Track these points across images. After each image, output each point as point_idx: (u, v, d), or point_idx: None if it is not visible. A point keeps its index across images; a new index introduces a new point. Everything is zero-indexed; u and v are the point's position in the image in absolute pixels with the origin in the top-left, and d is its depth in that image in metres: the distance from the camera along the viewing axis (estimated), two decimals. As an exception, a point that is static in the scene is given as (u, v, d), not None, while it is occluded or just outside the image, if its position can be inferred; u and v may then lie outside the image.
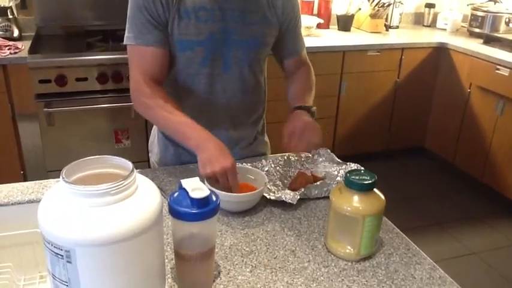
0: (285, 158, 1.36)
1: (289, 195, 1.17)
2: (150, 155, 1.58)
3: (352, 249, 0.99)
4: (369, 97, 3.49)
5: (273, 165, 1.32)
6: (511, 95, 2.97)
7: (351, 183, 0.96)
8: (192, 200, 0.79)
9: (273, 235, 1.07)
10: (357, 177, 0.97)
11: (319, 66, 3.18)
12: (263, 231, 1.08)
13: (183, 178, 0.86)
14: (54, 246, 0.67)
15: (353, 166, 1.30)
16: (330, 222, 1.01)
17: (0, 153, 2.70)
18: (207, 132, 1.20)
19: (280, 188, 1.26)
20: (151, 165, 1.56)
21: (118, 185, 0.69)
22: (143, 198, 0.73)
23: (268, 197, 1.18)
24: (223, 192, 1.10)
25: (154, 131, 1.55)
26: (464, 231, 2.99)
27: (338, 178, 1.28)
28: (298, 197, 1.17)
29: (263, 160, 1.35)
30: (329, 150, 1.38)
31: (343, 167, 1.31)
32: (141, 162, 2.48)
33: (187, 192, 0.80)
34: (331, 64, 3.26)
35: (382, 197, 0.99)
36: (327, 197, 1.21)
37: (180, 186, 0.83)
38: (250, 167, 1.27)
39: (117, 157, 0.77)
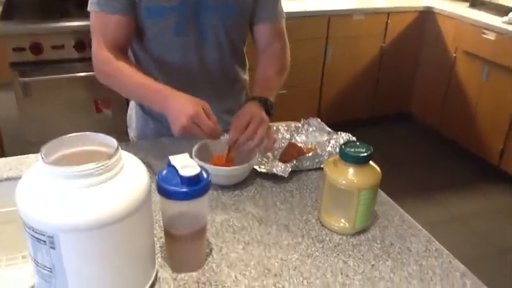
0: (274, 128, 1.31)
1: (280, 168, 1.13)
2: (128, 130, 1.52)
3: (346, 223, 0.96)
4: (355, 62, 3.44)
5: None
6: (497, 60, 2.95)
7: (346, 156, 0.92)
8: (182, 178, 0.75)
9: (265, 210, 1.03)
10: (352, 150, 0.93)
11: (304, 32, 3.12)
12: (254, 205, 1.05)
13: (169, 151, 0.81)
14: (36, 232, 0.63)
15: (344, 135, 1.27)
16: (324, 195, 0.98)
17: (-25, 125, 2.61)
18: (169, 89, 1.12)
19: (270, 159, 1.22)
20: (131, 140, 1.50)
21: (103, 165, 0.64)
22: (130, 177, 0.68)
23: (258, 169, 1.14)
24: (212, 166, 1.06)
25: (132, 104, 1.48)
26: (451, 197, 3.01)
27: (329, 148, 1.25)
28: (290, 170, 1.14)
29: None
30: (319, 120, 1.34)
31: (334, 136, 1.28)
32: (124, 134, 2.41)
33: (176, 170, 0.76)
34: (317, 29, 3.19)
35: (378, 169, 0.96)
36: (319, 169, 1.18)
37: (169, 163, 0.78)
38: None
39: (100, 134, 0.72)
